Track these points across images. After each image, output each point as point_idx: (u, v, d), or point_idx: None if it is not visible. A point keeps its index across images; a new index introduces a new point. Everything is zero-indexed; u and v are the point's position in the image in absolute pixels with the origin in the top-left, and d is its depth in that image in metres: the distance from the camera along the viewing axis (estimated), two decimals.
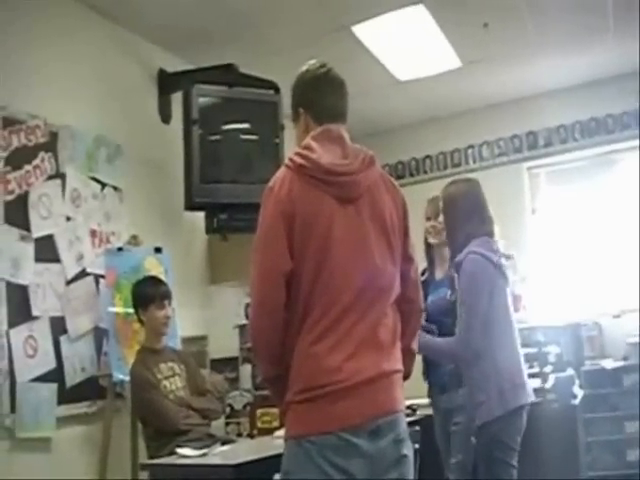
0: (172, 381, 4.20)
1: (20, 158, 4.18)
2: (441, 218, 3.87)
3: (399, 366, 2.46)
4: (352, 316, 2.36)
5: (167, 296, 4.28)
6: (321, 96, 2.57)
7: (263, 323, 2.37)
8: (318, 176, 2.40)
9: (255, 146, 5.29)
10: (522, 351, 3.67)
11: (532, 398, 3.60)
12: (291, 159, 2.45)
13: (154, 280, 4.37)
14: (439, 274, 4.21)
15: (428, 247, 4.24)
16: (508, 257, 3.72)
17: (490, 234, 3.70)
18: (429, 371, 4.18)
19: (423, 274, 4.22)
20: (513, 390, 3.49)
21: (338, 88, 2.60)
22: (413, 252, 2.63)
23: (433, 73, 6.33)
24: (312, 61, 2.63)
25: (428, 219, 4.20)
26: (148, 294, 4.24)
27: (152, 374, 4.11)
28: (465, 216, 3.70)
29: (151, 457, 4.00)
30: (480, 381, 3.51)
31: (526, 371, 3.66)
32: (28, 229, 4.17)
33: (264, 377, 2.55)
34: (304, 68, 2.64)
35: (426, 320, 3.82)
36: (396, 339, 2.48)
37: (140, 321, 4.27)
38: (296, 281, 2.36)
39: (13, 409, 3.92)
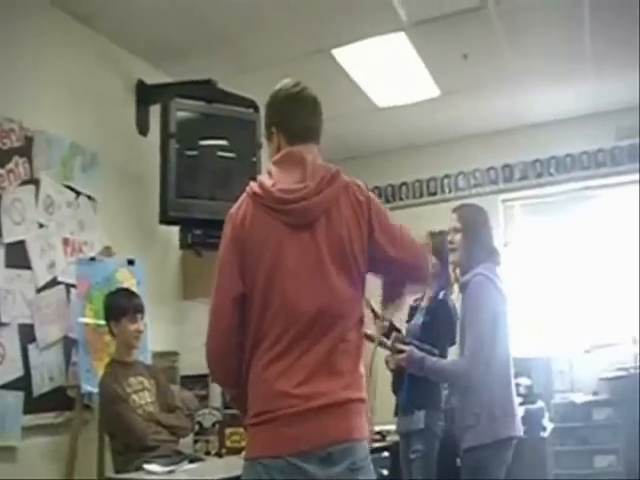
0: (141, 395, 4.10)
1: None
2: (458, 236, 3.80)
3: (358, 394, 2.38)
4: (304, 343, 2.32)
5: (140, 310, 4.20)
6: (294, 115, 2.55)
7: (215, 346, 2.40)
8: (269, 204, 2.39)
9: (232, 163, 5.25)
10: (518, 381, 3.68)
11: (521, 432, 3.57)
12: (250, 186, 2.45)
13: (128, 292, 4.29)
14: (424, 302, 4.33)
15: None
16: None
17: (497, 261, 3.75)
18: (396, 391, 4.26)
19: (416, 301, 4.38)
20: (504, 419, 3.47)
21: (311, 107, 2.57)
22: (398, 248, 2.49)
23: (412, 101, 6.37)
24: (286, 80, 2.61)
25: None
26: (121, 306, 4.16)
27: (121, 387, 4.01)
28: (481, 239, 3.74)
29: (117, 471, 3.90)
30: (472, 405, 3.48)
31: (517, 404, 3.65)
32: None
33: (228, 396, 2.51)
34: (278, 87, 2.62)
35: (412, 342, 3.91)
36: (358, 366, 2.42)
37: (111, 333, 4.18)
38: (249, 307, 2.37)
39: None
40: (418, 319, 4.25)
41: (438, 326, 4.10)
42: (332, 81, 5.86)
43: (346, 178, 2.48)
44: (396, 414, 4.34)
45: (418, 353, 3.70)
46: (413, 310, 4.37)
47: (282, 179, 2.42)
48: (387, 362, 4.11)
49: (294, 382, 2.30)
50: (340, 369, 2.35)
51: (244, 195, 2.45)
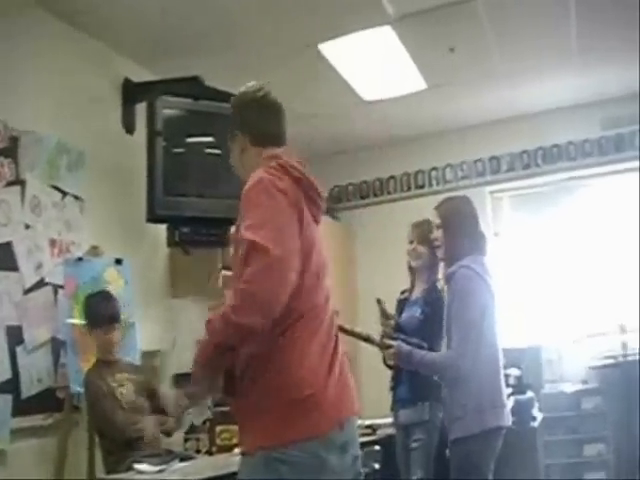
0: (128, 388, 4.15)
1: None
2: (439, 233, 3.85)
3: None
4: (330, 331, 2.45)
5: (116, 319, 4.22)
6: (258, 119, 2.59)
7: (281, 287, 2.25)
8: (310, 193, 2.48)
9: (219, 160, 5.22)
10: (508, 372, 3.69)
11: (509, 422, 3.59)
12: (282, 165, 2.45)
13: (105, 298, 4.29)
14: (416, 294, 4.31)
15: (410, 269, 4.36)
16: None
17: (483, 251, 3.76)
18: (396, 385, 4.22)
19: (403, 293, 4.38)
20: (492, 410, 3.49)
21: (275, 112, 2.63)
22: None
23: (398, 94, 6.35)
24: (250, 84, 2.65)
25: (411, 242, 4.31)
26: (96, 316, 4.19)
27: (106, 383, 4.07)
28: (462, 232, 3.76)
29: (108, 472, 3.92)
30: (460, 396, 3.50)
31: (506, 394, 3.68)
32: None
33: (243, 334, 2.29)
34: (242, 90, 2.67)
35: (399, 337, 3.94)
36: None
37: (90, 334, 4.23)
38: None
39: None
40: (415, 311, 4.20)
41: (440, 317, 4.03)
42: (319, 76, 5.87)
43: None
44: (392, 408, 4.33)
45: (406, 347, 3.73)
46: (402, 303, 4.36)
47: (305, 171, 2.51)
48: (384, 358, 4.06)
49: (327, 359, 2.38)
50: (342, 352, 2.49)
51: (276, 171, 2.42)
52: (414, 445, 4.07)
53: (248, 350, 2.31)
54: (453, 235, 3.77)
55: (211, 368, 2.33)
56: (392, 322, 4.12)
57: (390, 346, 3.77)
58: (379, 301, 4.16)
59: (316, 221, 2.52)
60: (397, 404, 4.24)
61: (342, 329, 4.05)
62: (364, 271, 7.39)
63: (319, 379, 2.33)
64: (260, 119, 2.60)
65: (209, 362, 2.31)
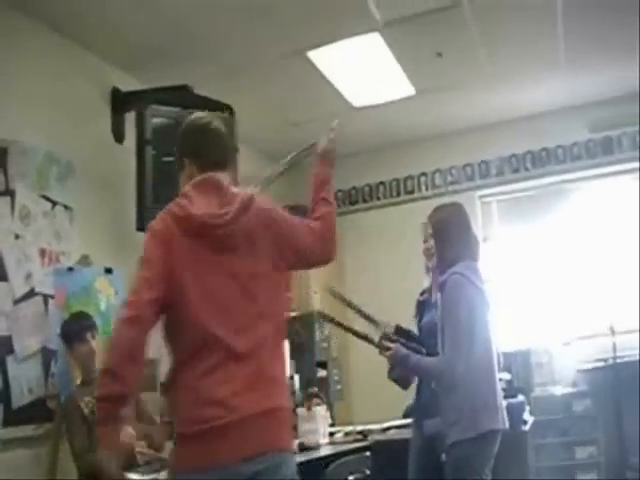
0: None
1: None
2: (432, 242, 3.87)
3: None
4: (235, 359, 2.46)
5: (88, 328, 4.18)
6: (203, 147, 2.69)
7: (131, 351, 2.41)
8: (192, 229, 2.50)
9: None
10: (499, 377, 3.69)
11: (506, 425, 3.58)
12: (170, 209, 2.55)
13: (77, 316, 4.26)
14: (435, 296, 4.10)
15: (427, 269, 4.20)
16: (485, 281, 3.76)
17: (475, 257, 3.77)
18: (419, 392, 4.09)
19: (422, 294, 4.23)
20: (487, 413, 3.48)
21: (219, 139, 2.72)
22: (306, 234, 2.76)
23: (387, 100, 6.38)
24: (197, 114, 2.78)
25: (425, 241, 4.12)
26: (69, 332, 4.16)
27: (81, 410, 3.98)
28: (452, 240, 3.75)
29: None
30: (455, 401, 3.50)
31: (502, 397, 3.66)
32: None
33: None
34: (187, 121, 2.78)
35: (418, 340, 3.88)
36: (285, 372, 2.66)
37: (74, 364, 4.20)
38: (175, 319, 2.49)
39: None
40: (436, 314, 3.95)
41: None
42: (308, 83, 5.90)
43: (259, 199, 2.67)
44: (406, 415, 4.30)
45: (403, 350, 3.72)
46: (422, 305, 4.20)
47: (202, 204, 2.55)
48: (389, 372, 4.02)
49: (229, 391, 2.41)
50: (274, 376, 2.52)
51: (165, 214, 2.54)
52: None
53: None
54: (444, 243, 3.77)
55: (104, 421, 2.43)
56: (389, 328, 4.07)
57: (388, 348, 3.78)
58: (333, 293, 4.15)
59: (220, 251, 2.55)
60: (418, 412, 4.08)
61: (341, 326, 4.08)
62: (352, 277, 7.38)
63: (220, 414, 2.39)
64: (204, 146, 2.69)
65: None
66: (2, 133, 4.31)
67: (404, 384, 4.06)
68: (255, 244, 2.59)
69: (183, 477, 2.45)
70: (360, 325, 3.98)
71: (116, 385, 2.36)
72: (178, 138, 2.78)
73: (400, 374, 3.97)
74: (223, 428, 2.38)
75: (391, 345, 3.76)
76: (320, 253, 2.81)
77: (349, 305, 4.13)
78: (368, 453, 4.45)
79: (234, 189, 2.64)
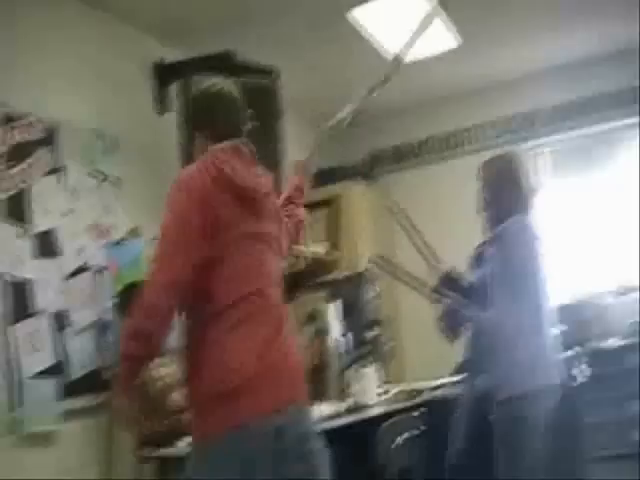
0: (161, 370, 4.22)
1: (19, 154, 4.19)
2: (485, 194, 3.87)
3: None
4: (267, 311, 2.58)
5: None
6: (214, 116, 2.71)
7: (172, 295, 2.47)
8: (234, 191, 2.56)
9: (255, 134, 5.26)
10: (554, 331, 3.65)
11: (558, 380, 3.60)
12: (208, 167, 2.57)
13: (129, 287, 4.31)
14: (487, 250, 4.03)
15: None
16: None
17: (528, 209, 3.73)
18: (469, 348, 4.09)
19: (479, 247, 4.15)
20: (539, 368, 3.49)
21: (230, 107, 2.75)
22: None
23: (432, 54, 6.28)
24: (207, 83, 2.78)
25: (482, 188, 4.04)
26: (122, 302, 4.26)
27: None
28: (504, 192, 3.74)
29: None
30: (506, 356, 3.50)
31: (555, 352, 3.65)
32: (28, 225, 4.19)
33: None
34: (198, 90, 2.82)
35: (469, 292, 3.86)
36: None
37: None
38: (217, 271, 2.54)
39: (17, 405, 3.95)
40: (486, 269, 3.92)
41: None
42: (351, 42, 5.85)
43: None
44: (457, 372, 4.30)
45: (454, 304, 3.73)
46: (476, 259, 4.13)
47: (238, 170, 2.60)
48: (439, 321, 4.06)
49: (259, 346, 2.49)
50: (291, 333, 2.65)
51: (201, 172, 2.56)
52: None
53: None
54: (497, 195, 3.77)
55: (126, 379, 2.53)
56: (440, 271, 4.06)
57: (438, 300, 3.77)
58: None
59: (253, 214, 2.62)
60: (469, 370, 4.07)
61: (394, 274, 4.07)
62: (401, 235, 7.33)
63: (249, 370, 2.44)
64: (216, 115, 2.71)
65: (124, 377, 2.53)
66: (50, 114, 4.39)
67: (452, 336, 4.03)
68: (272, 210, 2.73)
69: (214, 440, 2.47)
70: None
71: (145, 346, 2.44)
72: (189, 109, 2.88)
73: (449, 325, 3.95)
74: (250, 383, 2.44)
75: (442, 297, 3.81)
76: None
77: (395, 272, 4.13)
78: (421, 410, 4.47)
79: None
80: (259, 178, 2.70)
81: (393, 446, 3.74)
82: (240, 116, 2.78)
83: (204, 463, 2.50)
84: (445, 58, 6.39)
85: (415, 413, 4.37)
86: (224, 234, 2.51)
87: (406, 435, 3.87)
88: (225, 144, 2.66)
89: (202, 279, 2.50)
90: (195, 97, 2.83)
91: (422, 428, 4.17)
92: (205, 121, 2.72)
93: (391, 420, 3.95)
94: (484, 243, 4.02)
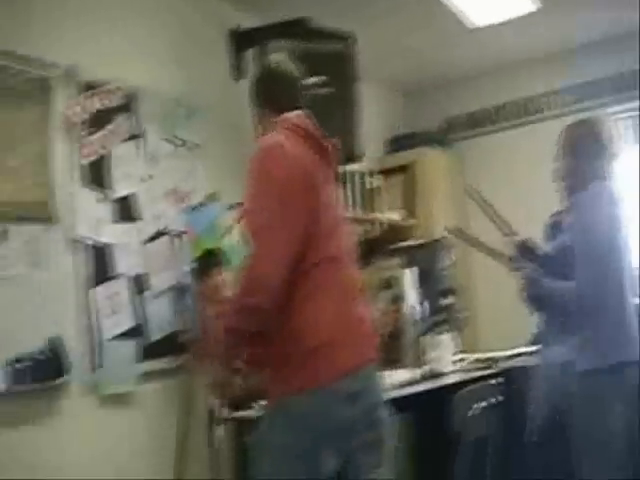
0: None
1: (99, 121, 4.25)
2: (562, 161, 3.76)
3: None
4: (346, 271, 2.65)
5: (217, 265, 4.36)
6: (274, 92, 2.84)
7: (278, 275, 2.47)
8: (316, 148, 2.69)
9: (330, 100, 5.25)
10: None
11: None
12: (288, 127, 2.69)
13: (206, 254, 4.44)
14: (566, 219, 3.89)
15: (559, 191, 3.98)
16: None
17: (609, 176, 3.62)
18: (546, 318, 4.00)
19: (552, 217, 4.13)
20: (619, 343, 3.38)
21: (289, 81, 2.86)
22: None
23: (509, 17, 6.14)
24: (268, 60, 3.00)
25: (555, 162, 3.91)
26: (200, 267, 4.38)
27: None
28: (584, 158, 3.63)
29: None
30: (586, 328, 3.41)
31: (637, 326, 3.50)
32: (108, 190, 4.27)
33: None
34: (259, 66, 3.02)
35: (546, 262, 3.77)
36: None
37: (204, 296, 4.37)
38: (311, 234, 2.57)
39: (99, 365, 4.06)
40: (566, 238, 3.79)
41: None
42: (426, 6, 5.75)
43: None
44: (533, 343, 4.25)
45: (534, 273, 3.67)
46: (552, 228, 4.08)
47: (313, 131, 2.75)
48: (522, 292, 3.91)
49: (342, 307, 2.55)
50: (362, 299, 2.68)
51: (283, 134, 2.66)
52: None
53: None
54: (576, 161, 3.66)
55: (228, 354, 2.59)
56: (515, 239, 3.99)
57: (518, 269, 3.73)
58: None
59: (328, 174, 2.71)
60: (546, 341, 3.98)
61: (470, 241, 4.02)
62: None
63: (330, 330, 2.48)
64: (277, 90, 2.83)
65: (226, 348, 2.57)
66: (129, 80, 4.44)
67: (535, 307, 3.90)
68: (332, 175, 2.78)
69: (289, 399, 2.50)
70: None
71: (253, 321, 2.47)
72: (250, 88, 2.94)
73: (531, 296, 3.81)
74: (329, 345, 2.48)
75: (522, 266, 3.72)
76: None
77: (473, 242, 4.08)
78: (498, 379, 4.43)
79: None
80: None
81: (469, 414, 3.70)
82: (299, 92, 2.88)
83: (278, 421, 2.53)
84: (523, 22, 6.23)
85: (492, 382, 4.33)
86: (314, 195, 2.57)
87: (483, 404, 3.83)
88: (291, 113, 2.77)
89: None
90: (256, 74, 2.97)
91: (499, 398, 4.11)
92: (267, 96, 2.85)
93: (468, 388, 3.92)
94: (560, 212, 3.94)
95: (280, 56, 3.01)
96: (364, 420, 2.54)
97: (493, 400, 4.15)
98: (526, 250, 3.94)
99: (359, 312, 2.62)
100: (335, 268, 2.58)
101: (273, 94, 2.83)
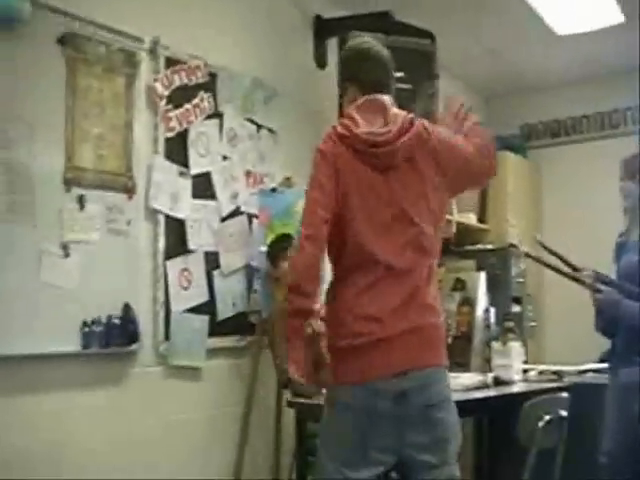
0: None
1: (181, 97, 4.26)
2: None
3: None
4: (392, 279, 2.55)
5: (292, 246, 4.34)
6: (365, 70, 2.75)
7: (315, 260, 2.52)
8: (357, 147, 2.57)
9: (409, 95, 5.21)
10: None
11: None
12: (334, 128, 2.63)
13: (281, 237, 4.42)
14: (633, 237, 3.87)
15: (625, 210, 3.98)
16: None
17: None
18: (618, 336, 3.80)
19: (621, 236, 4.00)
20: None
21: (381, 62, 2.77)
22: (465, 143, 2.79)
23: (594, 28, 6.05)
24: (358, 38, 2.88)
25: (621, 180, 3.96)
26: (274, 250, 4.34)
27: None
28: None
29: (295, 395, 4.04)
30: None
31: None
32: (187, 166, 4.27)
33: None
34: (347, 45, 2.90)
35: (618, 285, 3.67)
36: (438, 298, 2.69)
37: (275, 280, 4.34)
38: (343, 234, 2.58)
39: (167, 337, 4.07)
40: (631, 257, 3.77)
41: None
42: (511, 9, 5.69)
43: (417, 122, 2.68)
44: (602, 361, 4.16)
45: (616, 295, 3.53)
46: (619, 248, 3.95)
47: (366, 124, 2.61)
48: (596, 324, 3.83)
49: (383, 309, 2.50)
50: (425, 297, 2.58)
51: (331, 134, 2.63)
52: None
53: None
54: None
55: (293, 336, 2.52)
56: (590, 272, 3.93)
57: (599, 290, 3.61)
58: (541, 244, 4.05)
59: (383, 170, 2.60)
60: (617, 360, 3.81)
61: (550, 266, 3.98)
62: (550, 211, 7.21)
63: (379, 330, 2.48)
64: (366, 70, 2.74)
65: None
66: (211, 59, 4.44)
67: (611, 332, 3.75)
68: (414, 165, 2.63)
69: (339, 390, 2.53)
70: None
71: (302, 300, 2.46)
72: (340, 63, 2.90)
73: (606, 323, 3.72)
74: (375, 344, 2.47)
75: (603, 288, 3.60)
76: (481, 165, 2.82)
77: (554, 255, 4.01)
78: (564, 394, 4.33)
79: (396, 110, 2.69)
80: (390, 128, 2.63)
81: (539, 425, 3.62)
82: (389, 75, 2.80)
83: (328, 409, 2.59)
84: (609, 34, 6.13)
85: (562, 395, 4.22)
86: (349, 193, 2.55)
87: (551, 416, 3.74)
88: (363, 99, 2.70)
89: (337, 234, 2.55)
90: (346, 51, 2.90)
91: (563, 413, 4.02)
92: (353, 75, 2.78)
93: (536, 399, 3.83)
94: (623, 234, 3.91)
95: (373, 38, 2.93)
96: (416, 420, 2.51)
97: (561, 413, 4.06)
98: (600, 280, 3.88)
99: (420, 311, 2.57)
100: (394, 270, 2.55)
101: (363, 72, 2.76)
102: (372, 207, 2.56)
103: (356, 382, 2.48)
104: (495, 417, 4.70)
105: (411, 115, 2.69)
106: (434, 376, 2.58)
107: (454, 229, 5.87)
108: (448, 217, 5.78)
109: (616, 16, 5.85)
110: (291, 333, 2.51)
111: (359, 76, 2.75)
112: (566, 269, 3.81)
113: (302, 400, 3.77)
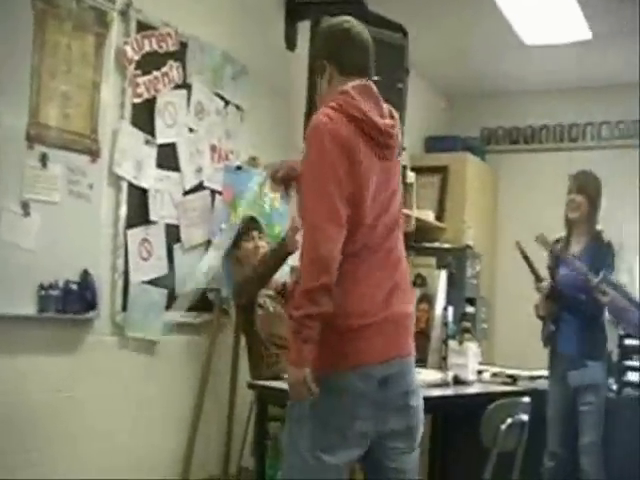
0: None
1: (150, 63, 4.14)
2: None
3: None
4: (389, 262, 2.51)
5: (255, 228, 4.30)
6: (345, 50, 2.59)
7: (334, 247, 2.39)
8: (369, 132, 2.45)
9: (377, 88, 5.16)
10: None
11: None
12: (339, 105, 2.45)
13: (246, 218, 4.37)
14: (574, 248, 4.17)
15: (566, 221, 4.25)
16: None
17: None
18: (558, 338, 4.12)
19: (556, 243, 4.23)
20: None
21: (361, 44, 2.62)
22: None
23: (561, 41, 6.09)
24: (340, 17, 2.66)
25: (569, 193, 4.21)
26: (238, 232, 4.28)
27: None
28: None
29: (255, 377, 4.01)
30: None
31: None
32: (153, 134, 4.14)
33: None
34: (328, 22, 2.72)
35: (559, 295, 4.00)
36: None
37: (238, 262, 4.29)
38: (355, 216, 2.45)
39: (125, 308, 3.95)
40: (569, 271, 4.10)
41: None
42: (482, 14, 5.68)
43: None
44: (552, 366, 4.24)
45: (622, 301, 3.78)
46: (557, 258, 4.20)
47: (369, 108, 2.48)
48: (537, 308, 4.19)
49: (382, 292, 2.46)
50: (407, 284, 2.61)
51: (337, 113, 2.43)
52: (585, 408, 4.00)
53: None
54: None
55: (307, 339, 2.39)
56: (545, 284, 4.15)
57: (605, 293, 3.81)
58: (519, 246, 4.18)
59: (382, 157, 2.52)
60: (562, 361, 4.13)
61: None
62: (504, 216, 7.26)
63: (371, 316, 2.42)
64: (346, 50, 2.60)
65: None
66: (183, 28, 4.33)
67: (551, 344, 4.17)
68: (395, 156, 2.61)
69: (326, 373, 2.43)
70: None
71: (328, 301, 2.34)
72: (318, 40, 2.71)
73: (549, 335, 4.14)
74: (370, 328, 2.41)
75: (610, 291, 3.80)
76: None
77: (526, 259, 4.17)
78: (526, 399, 4.32)
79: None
80: (386, 118, 2.56)
81: (502, 428, 3.60)
82: (370, 58, 2.66)
83: (320, 394, 2.45)
84: (575, 48, 6.16)
85: (523, 400, 4.21)
86: (362, 176, 2.43)
87: (510, 420, 3.72)
88: (356, 83, 2.54)
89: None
90: (327, 28, 2.70)
91: (525, 417, 4.03)
92: (334, 54, 2.60)
93: (500, 402, 3.82)
94: (559, 240, 4.25)
95: (354, 19, 2.79)
96: (396, 403, 2.49)
97: (522, 417, 4.06)
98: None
99: (405, 300, 2.54)
100: (384, 257, 2.48)
101: (344, 52, 2.59)
102: (376, 192, 2.47)
103: (350, 366, 2.41)
104: (450, 416, 4.69)
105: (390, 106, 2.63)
106: (411, 364, 2.57)
107: (414, 224, 5.86)
108: (409, 212, 5.77)
109: (584, 32, 5.88)
110: (304, 336, 2.36)
111: (341, 57, 2.58)
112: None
113: (264, 383, 3.70)
